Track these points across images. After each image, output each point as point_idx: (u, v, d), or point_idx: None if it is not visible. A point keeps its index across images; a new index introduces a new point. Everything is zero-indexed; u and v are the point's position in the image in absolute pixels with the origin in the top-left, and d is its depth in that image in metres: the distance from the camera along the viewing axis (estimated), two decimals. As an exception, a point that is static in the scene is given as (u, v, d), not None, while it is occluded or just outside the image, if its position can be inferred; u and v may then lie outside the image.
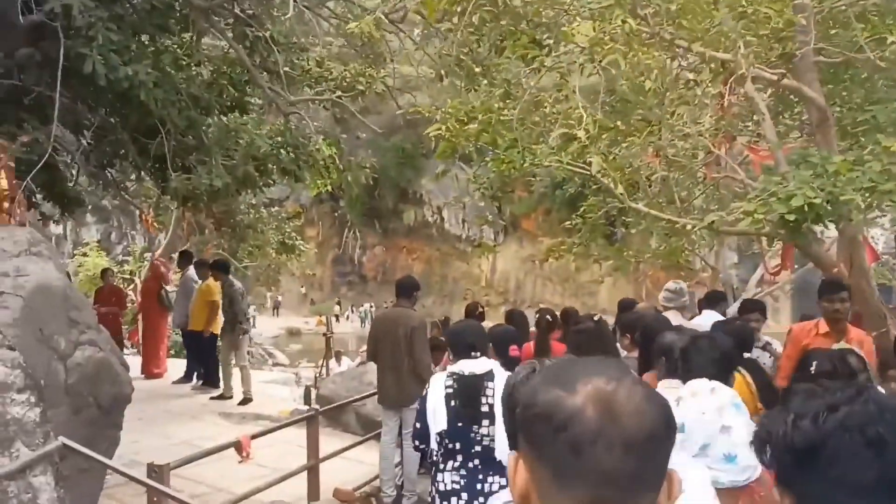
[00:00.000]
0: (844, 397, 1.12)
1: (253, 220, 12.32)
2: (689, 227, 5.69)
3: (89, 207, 12.05)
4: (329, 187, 17.96)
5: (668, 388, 2.39)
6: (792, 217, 3.60)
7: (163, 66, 6.38)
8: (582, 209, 7.94)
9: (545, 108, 4.90)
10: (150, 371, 10.76)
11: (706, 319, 5.74)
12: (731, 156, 6.40)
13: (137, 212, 11.22)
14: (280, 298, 40.42)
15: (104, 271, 12.09)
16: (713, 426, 1.97)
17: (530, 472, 0.90)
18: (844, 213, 3.66)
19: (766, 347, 4.93)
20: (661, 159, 6.55)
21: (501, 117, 4.41)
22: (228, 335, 9.25)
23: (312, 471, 5.94)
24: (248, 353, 10.05)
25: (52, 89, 6.12)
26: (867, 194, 3.71)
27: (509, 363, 3.66)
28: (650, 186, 6.87)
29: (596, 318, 4.19)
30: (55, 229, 46.93)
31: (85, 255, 19.53)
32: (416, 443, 3.62)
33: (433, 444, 3.48)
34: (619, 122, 6.02)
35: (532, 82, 5.04)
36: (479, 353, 3.48)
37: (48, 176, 8.73)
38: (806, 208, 3.56)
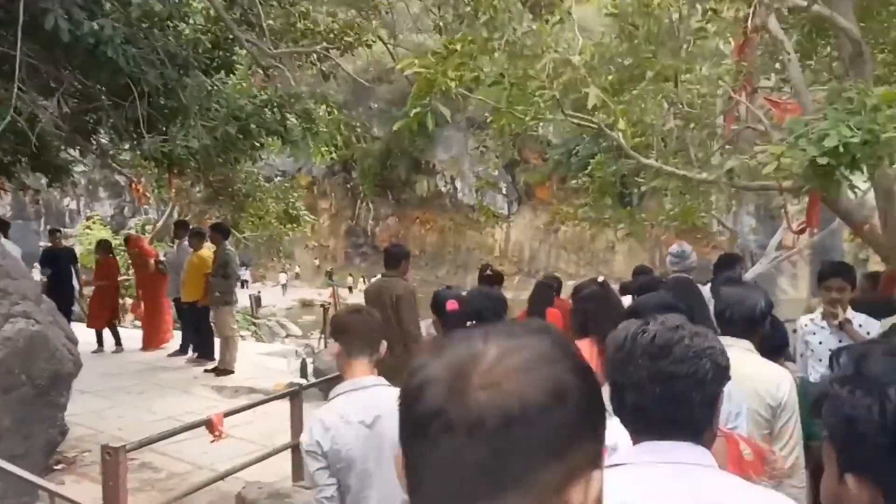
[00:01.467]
0: None
1: (251, 189, 11.92)
2: (704, 179, 5.14)
3: (81, 179, 11.70)
4: (334, 156, 17.57)
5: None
6: (824, 161, 3.08)
7: (133, 21, 5.92)
8: (590, 168, 7.41)
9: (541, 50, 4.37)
10: (150, 343, 10.54)
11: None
12: (752, 107, 5.82)
13: (127, 181, 10.82)
14: (285, 279, 40.28)
15: (98, 244, 11.79)
16: None
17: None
18: (885, 154, 3.13)
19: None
20: (673, 110, 6.00)
21: (487, 47, 3.89)
22: (216, 305, 8.96)
23: (297, 449, 5.59)
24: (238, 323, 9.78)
25: (21, 51, 5.71)
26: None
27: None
28: (664, 143, 6.33)
29: (600, 281, 3.73)
30: (71, 204, 47.14)
31: (89, 228, 19.39)
32: None
33: None
34: (628, 59, 5.48)
35: (526, 22, 4.53)
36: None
37: (30, 145, 8.39)
38: (841, 149, 3.04)
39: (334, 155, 16.93)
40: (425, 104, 3.75)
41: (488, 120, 5.91)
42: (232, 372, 8.88)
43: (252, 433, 6.71)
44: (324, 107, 14.97)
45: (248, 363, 9.52)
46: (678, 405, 1.37)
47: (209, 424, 4.51)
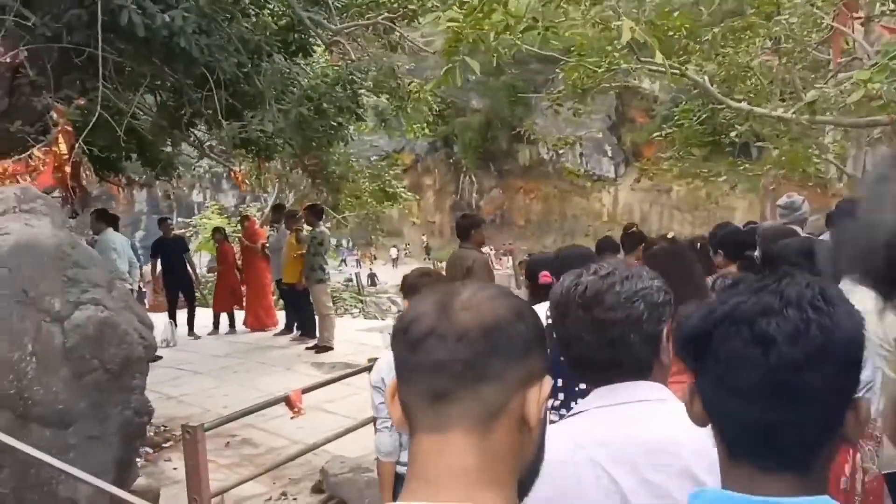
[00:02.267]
0: (752, 286, 0.94)
1: (344, 170, 12.10)
2: (781, 116, 4.60)
3: (183, 171, 12.28)
4: (426, 131, 17.50)
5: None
6: None
7: (205, 10, 6.03)
8: (675, 117, 6.89)
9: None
10: (253, 323, 11.00)
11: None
12: (857, 37, 5.14)
13: (225, 170, 11.25)
14: (396, 253, 41.10)
15: (213, 231, 12.41)
16: None
17: (398, 386, 0.90)
18: None
19: None
20: (765, 46, 5.43)
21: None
22: (310, 282, 9.20)
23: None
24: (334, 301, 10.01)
25: (104, 49, 5.97)
26: None
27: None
28: (756, 84, 5.76)
29: (670, 236, 3.46)
30: (196, 197, 50.30)
31: (207, 217, 20.50)
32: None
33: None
34: None
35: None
36: None
37: (135, 140, 8.85)
38: None
39: (427, 130, 16.94)
40: (456, 59, 3.54)
41: (560, 76, 5.60)
42: (331, 348, 9.10)
43: (346, 408, 6.83)
44: (411, 83, 14.92)
45: (346, 339, 9.73)
46: (615, 349, 1.41)
47: (288, 401, 4.58)
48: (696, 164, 7.65)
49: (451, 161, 45.58)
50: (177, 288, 10.63)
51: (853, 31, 4.56)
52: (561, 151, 38.54)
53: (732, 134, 5.76)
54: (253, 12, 6.49)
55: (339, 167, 12.08)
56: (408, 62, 11.08)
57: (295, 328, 10.26)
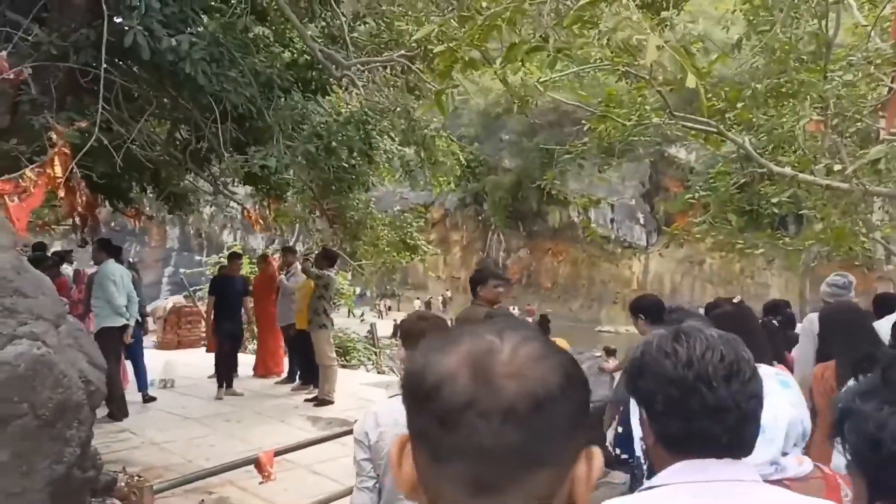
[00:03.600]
0: None
1: (363, 216, 11.79)
2: (829, 185, 4.09)
3: (200, 206, 12.09)
4: (452, 186, 17.32)
5: None
6: None
7: (215, 36, 5.79)
8: (710, 179, 6.39)
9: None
10: (262, 370, 10.53)
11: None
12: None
13: (240, 209, 10.97)
14: (419, 305, 40.68)
15: (229, 257, 12.13)
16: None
17: (413, 453, 0.77)
18: None
19: None
20: (817, 110, 4.96)
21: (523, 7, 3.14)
22: (313, 328, 8.76)
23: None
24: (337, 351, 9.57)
25: (109, 72, 5.75)
26: None
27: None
28: (801, 150, 5.27)
29: (736, 301, 3.21)
30: (226, 237, 50.81)
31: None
32: (618, 451, 3.10)
33: (638, 451, 2.70)
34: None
35: None
36: None
37: (148, 171, 8.62)
38: None
39: (453, 185, 16.69)
40: (450, 83, 3.12)
41: (585, 128, 5.21)
42: (331, 402, 8.58)
43: (336, 470, 6.26)
44: (443, 136, 14.73)
45: (349, 393, 9.20)
46: (743, 425, 1.28)
47: (257, 464, 4.07)
48: (732, 235, 7.13)
49: (480, 218, 45.63)
50: (227, 333, 9.62)
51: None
52: (591, 216, 38.18)
53: (773, 200, 5.23)
54: (264, 45, 6.24)
55: (357, 213, 11.78)
56: (471, 124, 10.84)
57: (297, 377, 9.78)
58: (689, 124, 4.76)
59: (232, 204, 15.58)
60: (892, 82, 4.47)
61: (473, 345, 0.74)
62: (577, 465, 0.76)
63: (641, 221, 38.32)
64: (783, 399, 1.83)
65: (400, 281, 50.69)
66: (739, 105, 5.14)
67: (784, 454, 1.76)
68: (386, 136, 11.23)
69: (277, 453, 4.28)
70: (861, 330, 3.37)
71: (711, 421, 1.25)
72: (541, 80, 4.53)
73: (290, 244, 15.33)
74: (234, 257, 10.93)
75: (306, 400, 8.86)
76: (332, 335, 9.65)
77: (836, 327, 3.47)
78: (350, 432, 5.26)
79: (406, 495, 0.79)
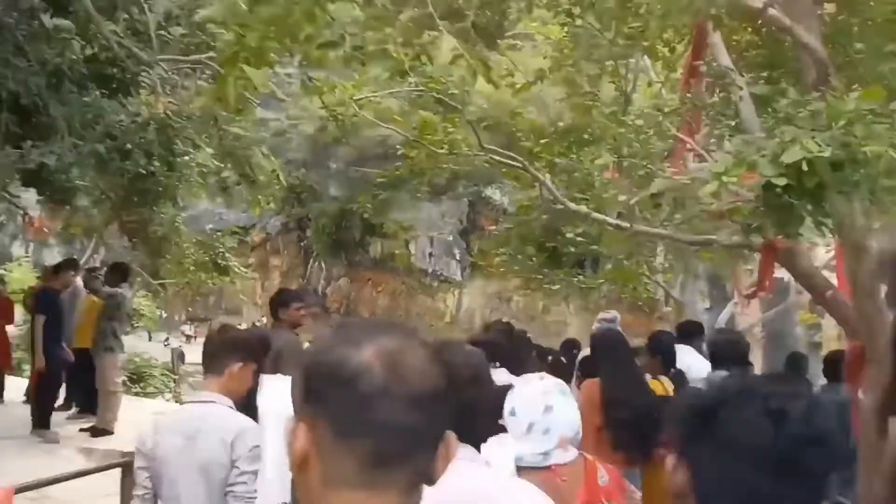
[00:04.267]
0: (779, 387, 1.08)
1: (168, 232, 11.01)
2: (619, 226, 4.46)
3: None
4: (272, 205, 16.78)
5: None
6: (782, 182, 2.33)
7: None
8: (515, 214, 6.74)
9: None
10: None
11: (688, 359, 4.91)
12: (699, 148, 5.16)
13: (22, 216, 9.79)
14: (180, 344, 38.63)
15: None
16: (537, 407, 2.14)
17: (311, 432, 0.88)
18: (863, 179, 2.37)
19: None
20: (613, 154, 5.36)
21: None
22: (98, 351, 7.95)
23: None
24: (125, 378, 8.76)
25: None
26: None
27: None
28: (594, 192, 5.68)
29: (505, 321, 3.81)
30: (17, 249, 45.29)
31: (11, 271, 18.30)
32: None
33: None
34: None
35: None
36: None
37: None
38: (805, 167, 2.32)
39: (273, 206, 16.17)
40: (235, 72, 2.97)
41: (399, 153, 5.25)
42: (110, 433, 7.77)
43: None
44: (266, 155, 14.21)
45: (134, 421, 8.36)
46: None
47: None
48: (532, 270, 7.53)
49: (303, 245, 44.74)
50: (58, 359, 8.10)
51: (692, 142, 4.53)
52: (412, 249, 38.92)
53: (569, 235, 5.60)
54: (63, 37, 5.61)
55: (162, 228, 10.99)
56: (299, 150, 10.43)
57: (74, 405, 8.77)
58: (498, 157, 4.94)
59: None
60: (678, 132, 4.93)
61: (383, 343, 0.88)
62: (441, 447, 0.92)
63: (457, 257, 39.64)
64: (564, 404, 2.17)
65: (213, 305, 48.02)
66: (542, 142, 5.45)
67: (558, 448, 2.11)
68: (200, 149, 10.64)
69: (22, 489, 3.72)
70: (621, 353, 3.99)
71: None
72: (354, 97, 4.49)
73: (85, 259, 13.92)
74: (62, 268, 9.29)
75: (82, 430, 7.95)
76: (122, 360, 8.82)
77: (601, 351, 4.08)
78: (116, 465, 4.78)
79: (294, 473, 0.90)
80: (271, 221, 48.75)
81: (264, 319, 43.81)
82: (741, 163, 2.46)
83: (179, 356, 22.76)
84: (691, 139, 4.15)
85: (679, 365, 4.63)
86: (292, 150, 44.62)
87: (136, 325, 13.34)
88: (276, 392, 3.41)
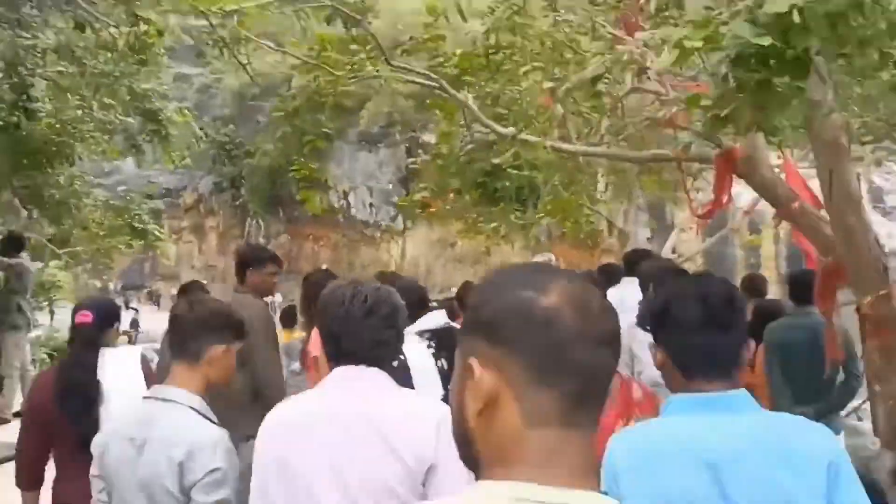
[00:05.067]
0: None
1: (66, 195, 10.00)
2: (560, 148, 3.84)
3: None
4: (188, 161, 15.75)
5: None
6: (765, 42, 1.67)
7: None
8: (437, 145, 6.09)
9: None
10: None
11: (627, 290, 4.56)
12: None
13: None
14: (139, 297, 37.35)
15: None
16: None
17: (500, 373, 0.89)
18: (875, 33, 1.75)
19: None
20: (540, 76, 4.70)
21: None
22: (5, 330, 7.13)
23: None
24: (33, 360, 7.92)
25: None
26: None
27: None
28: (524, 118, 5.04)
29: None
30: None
31: None
32: None
33: None
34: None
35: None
36: None
37: None
38: (796, 17, 1.60)
39: (189, 161, 15.17)
40: None
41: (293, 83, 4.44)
42: (7, 420, 6.97)
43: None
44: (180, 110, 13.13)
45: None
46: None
47: None
48: (466, 209, 6.92)
49: (238, 204, 43.45)
50: None
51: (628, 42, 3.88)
52: (351, 201, 38.02)
53: (495, 161, 4.96)
54: None
55: (60, 192, 9.98)
56: (225, 105, 9.41)
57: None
58: (410, 78, 4.23)
59: None
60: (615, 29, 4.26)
61: (566, 287, 0.91)
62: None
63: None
64: None
65: (150, 272, 46.35)
66: (464, 66, 4.77)
67: None
68: (97, 101, 9.58)
69: None
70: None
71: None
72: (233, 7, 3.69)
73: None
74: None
75: (-17, 419, 7.13)
76: (31, 337, 8.01)
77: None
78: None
79: (473, 415, 0.90)
80: (203, 181, 46.94)
81: (205, 282, 42.52)
82: (708, 22, 1.83)
83: (133, 324, 21.71)
84: (631, 38, 3.52)
85: (618, 296, 4.21)
86: (218, 106, 42.68)
87: (54, 297, 12.34)
88: (121, 366, 2.77)
